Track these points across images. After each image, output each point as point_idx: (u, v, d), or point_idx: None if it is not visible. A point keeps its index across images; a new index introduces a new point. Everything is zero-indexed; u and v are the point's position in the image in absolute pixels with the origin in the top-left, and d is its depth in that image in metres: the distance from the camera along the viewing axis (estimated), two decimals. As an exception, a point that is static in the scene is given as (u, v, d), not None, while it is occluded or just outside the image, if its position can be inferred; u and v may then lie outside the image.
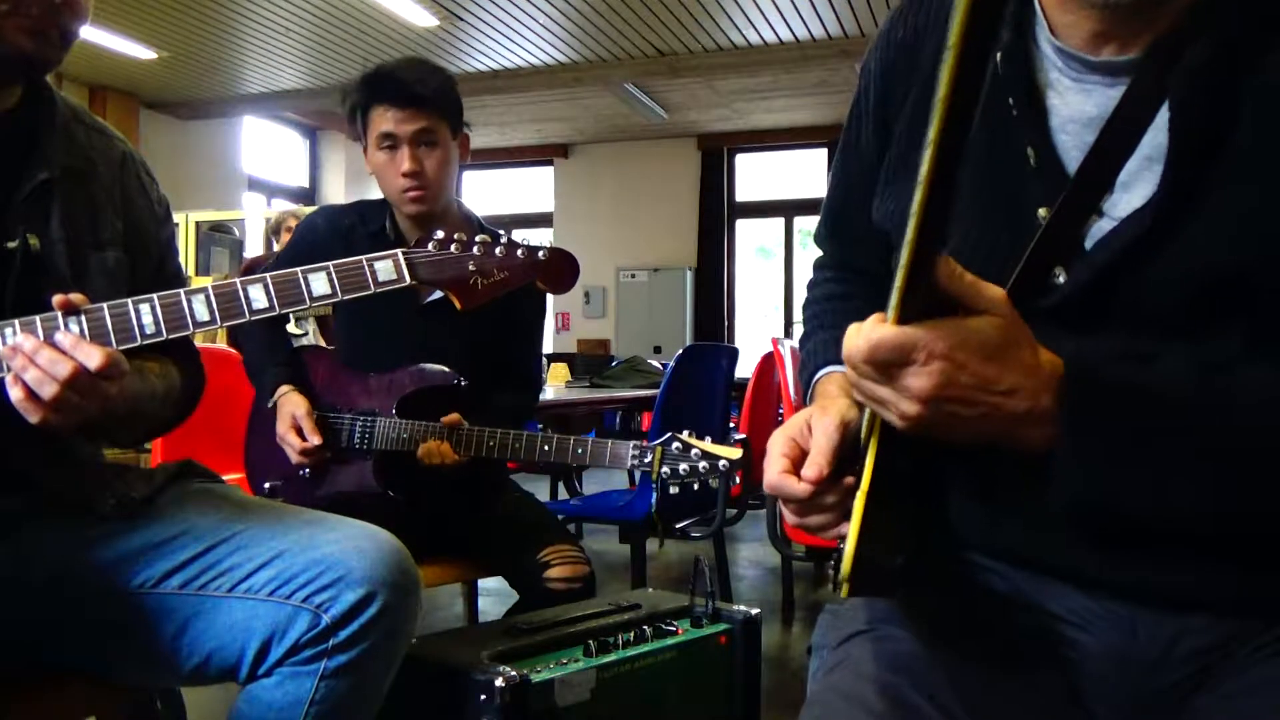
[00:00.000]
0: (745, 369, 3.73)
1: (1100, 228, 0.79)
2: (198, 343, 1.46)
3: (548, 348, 2.25)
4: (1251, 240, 0.74)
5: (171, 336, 1.15)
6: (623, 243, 10.57)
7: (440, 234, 1.24)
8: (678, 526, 3.00)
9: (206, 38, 7.46)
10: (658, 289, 10.43)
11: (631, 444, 1.82)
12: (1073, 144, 0.82)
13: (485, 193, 11.42)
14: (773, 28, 7.20)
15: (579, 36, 7.41)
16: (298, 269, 1.18)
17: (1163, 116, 0.76)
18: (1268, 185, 0.74)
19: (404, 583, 1.20)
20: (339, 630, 1.15)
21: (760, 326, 10.07)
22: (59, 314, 1.11)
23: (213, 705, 2.34)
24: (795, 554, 3.51)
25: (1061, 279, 0.79)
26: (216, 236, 7.06)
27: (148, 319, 1.14)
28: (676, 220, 10.49)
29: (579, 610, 1.68)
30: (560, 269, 1.32)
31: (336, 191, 10.69)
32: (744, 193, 10.64)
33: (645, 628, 1.60)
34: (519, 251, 1.27)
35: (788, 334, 9.80)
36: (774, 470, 0.85)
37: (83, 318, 1.12)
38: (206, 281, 1.20)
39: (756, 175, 10.63)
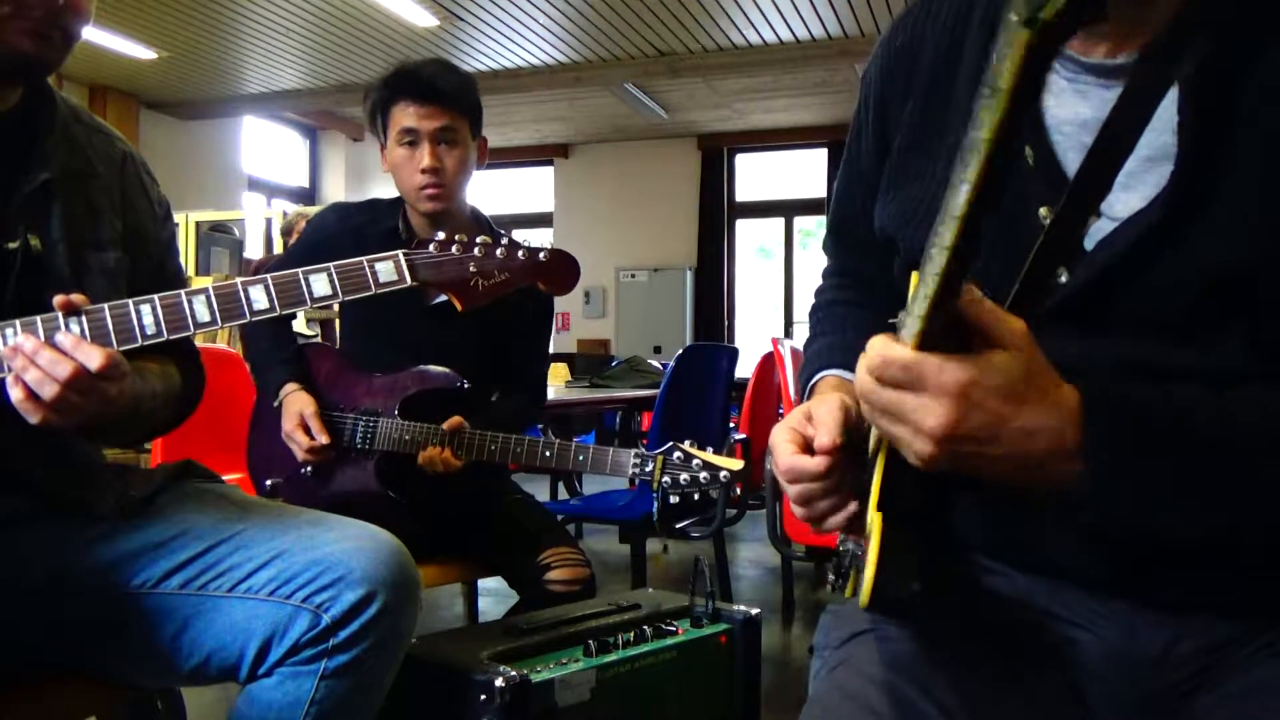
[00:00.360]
0: (745, 369, 3.74)
1: (1100, 228, 0.79)
2: (198, 343, 1.46)
3: (549, 347, 2.24)
4: (1256, 240, 0.74)
5: (172, 337, 1.15)
6: (623, 243, 10.57)
7: (441, 235, 1.24)
8: (678, 526, 3.00)
9: (206, 38, 7.46)
10: (658, 289, 10.43)
11: (633, 452, 1.82)
12: (1069, 144, 0.82)
13: (485, 193, 11.42)
14: (773, 28, 7.20)
15: (579, 36, 7.41)
16: (298, 269, 1.18)
17: (1160, 118, 0.76)
18: (1273, 185, 0.74)
19: (404, 583, 1.20)
20: (339, 630, 1.15)
21: (760, 326, 10.07)
22: (59, 314, 1.11)
23: (213, 705, 2.34)
24: (795, 554, 3.51)
25: (1064, 279, 0.80)
26: (216, 236, 7.05)
27: (148, 319, 1.14)
28: (676, 220, 10.49)
29: (579, 610, 1.68)
30: (561, 270, 1.32)
31: (336, 191, 10.69)
32: (744, 193, 10.64)
33: (645, 628, 1.60)
34: (519, 253, 1.27)
35: (788, 334, 9.80)
36: (785, 454, 0.84)
37: (83, 318, 1.12)
38: (206, 282, 1.20)
39: (756, 175, 10.63)
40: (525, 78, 8.23)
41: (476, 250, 1.24)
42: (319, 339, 4.17)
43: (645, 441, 3.92)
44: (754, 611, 1.72)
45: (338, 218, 2.08)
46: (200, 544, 1.20)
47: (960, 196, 0.55)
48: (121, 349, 1.12)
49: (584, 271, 1.38)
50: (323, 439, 1.88)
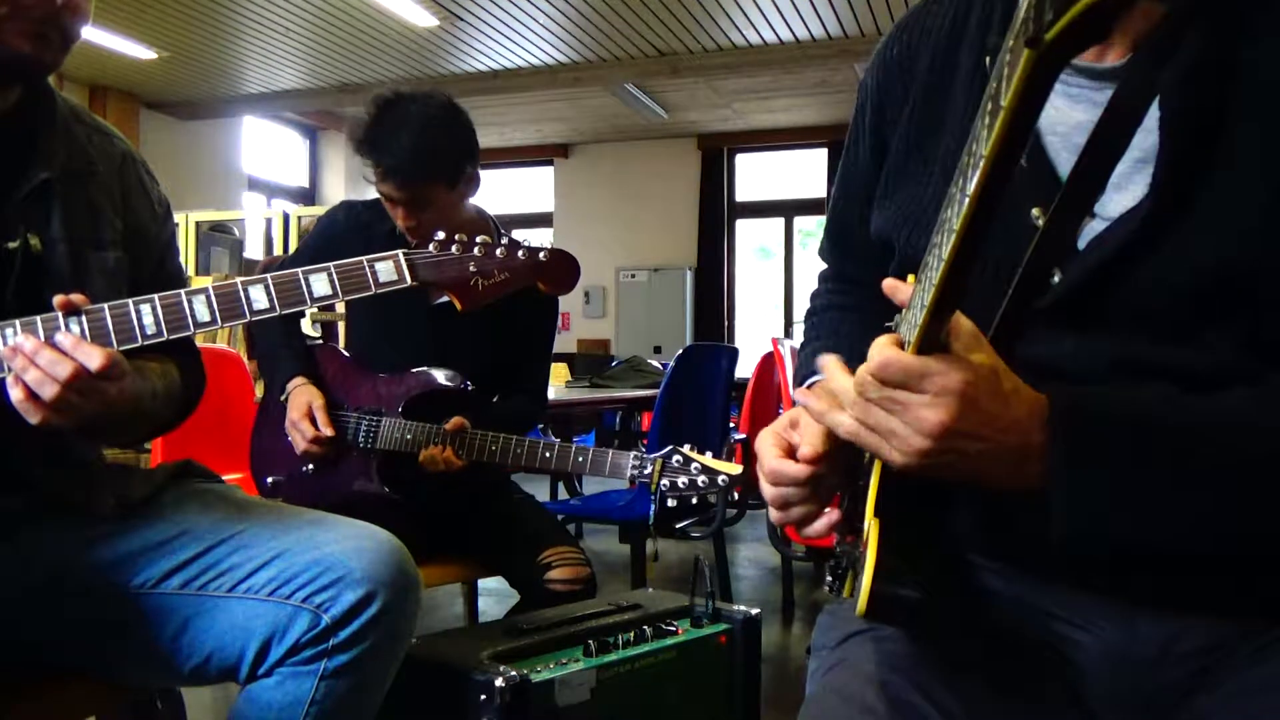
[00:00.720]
0: (745, 369, 3.73)
1: (1093, 228, 0.80)
2: (198, 342, 1.46)
3: (552, 350, 2.25)
4: (1246, 239, 0.74)
5: (172, 337, 1.15)
6: (623, 243, 10.57)
7: (441, 234, 1.24)
8: (678, 526, 3.01)
9: (206, 38, 7.46)
10: (658, 289, 10.43)
11: (632, 454, 1.83)
12: (1061, 145, 0.83)
13: (485, 193, 11.39)
14: (773, 28, 7.19)
15: (579, 36, 7.41)
16: (298, 269, 1.18)
17: (1152, 118, 0.76)
18: (1260, 184, 0.74)
19: (404, 583, 1.20)
20: (339, 630, 1.15)
21: (760, 326, 10.07)
22: (59, 314, 1.11)
23: (213, 705, 2.34)
24: (795, 554, 3.51)
25: (1056, 278, 0.80)
26: (216, 236, 7.05)
27: (148, 319, 1.14)
28: (676, 220, 10.48)
29: (579, 610, 1.68)
30: (561, 270, 1.32)
31: (336, 191, 10.69)
32: (744, 193, 10.64)
33: (645, 628, 1.60)
34: (520, 252, 1.27)
35: (788, 334, 9.80)
36: (770, 457, 0.86)
37: (83, 318, 1.12)
38: (206, 281, 1.20)
39: (756, 175, 10.62)
40: (525, 78, 8.23)
41: (476, 250, 1.24)
42: (320, 341, 4.17)
43: (645, 442, 3.91)
44: (754, 611, 1.72)
45: (347, 216, 2.09)
46: (200, 544, 1.20)
47: (960, 210, 0.55)
48: (121, 349, 1.12)
49: (584, 271, 1.38)
50: (327, 431, 1.88)
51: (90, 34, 1.24)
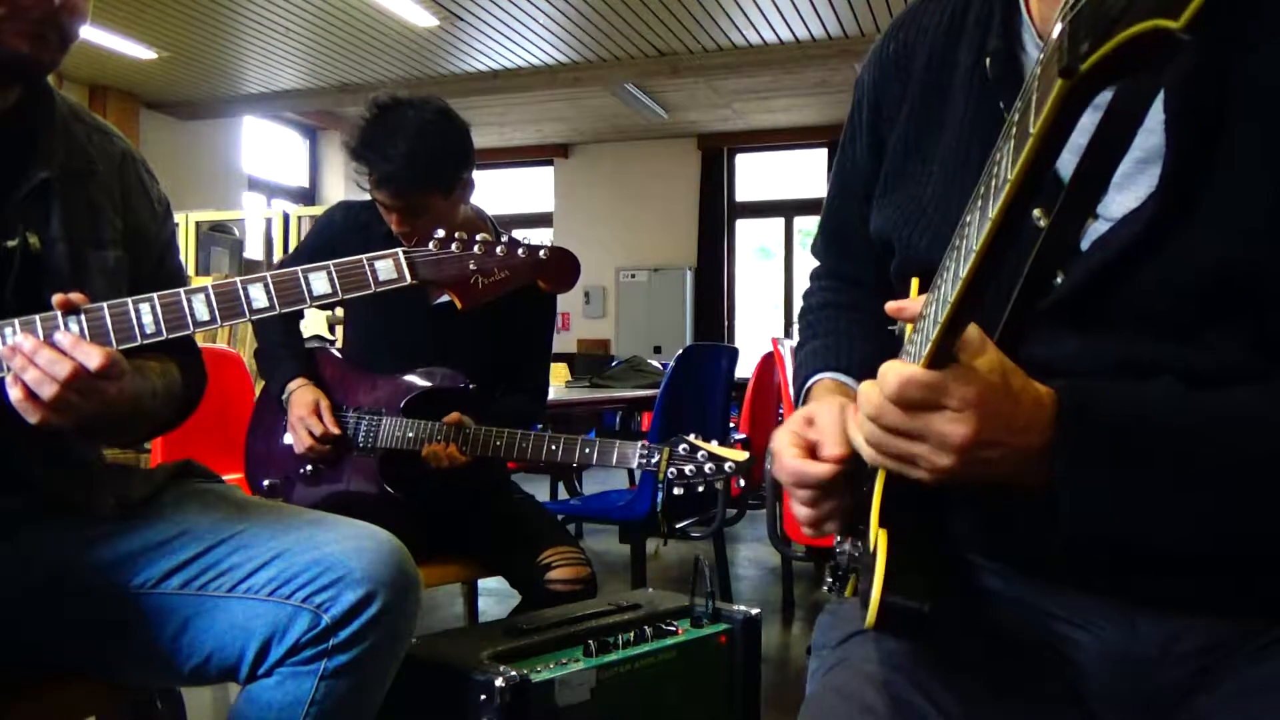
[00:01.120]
0: (745, 369, 3.73)
1: (1096, 229, 0.79)
2: (198, 342, 1.46)
3: (551, 349, 2.26)
4: (1250, 239, 0.74)
5: (171, 336, 1.15)
6: (623, 243, 10.57)
7: (440, 233, 1.24)
8: (678, 526, 3.00)
9: (206, 38, 7.46)
10: (658, 289, 10.43)
11: (639, 445, 1.82)
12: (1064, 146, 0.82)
13: (485, 193, 11.40)
14: (773, 28, 7.19)
15: (579, 36, 7.41)
16: (297, 268, 1.18)
17: (1154, 118, 0.76)
18: (1264, 184, 0.74)
19: (404, 583, 1.20)
20: (339, 630, 1.15)
21: (760, 326, 10.07)
22: (59, 313, 1.11)
23: (213, 705, 2.34)
24: (795, 554, 3.51)
25: (1059, 280, 0.80)
26: (216, 236, 7.05)
27: (148, 318, 1.14)
28: (676, 220, 10.48)
29: (579, 610, 1.68)
30: (561, 268, 1.32)
31: (336, 191, 10.68)
32: (744, 193, 10.63)
33: (645, 628, 1.60)
34: (520, 250, 1.27)
35: (788, 334, 9.79)
36: (789, 457, 0.85)
37: (82, 317, 1.12)
38: (206, 281, 1.20)
39: (756, 175, 10.62)
40: (525, 78, 8.23)
41: (476, 248, 1.24)
42: (339, 343, 4.15)
43: (646, 441, 3.90)
44: (754, 611, 1.72)
45: (344, 216, 2.08)
46: (200, 544, 1.20)
47: (981, 232, 0.55)
48: (121, 348, 1.12)
49: (584, 271, 1.38)
50: (334, 429, 1.88)
51: (90, 34, 1.24)
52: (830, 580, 0.94)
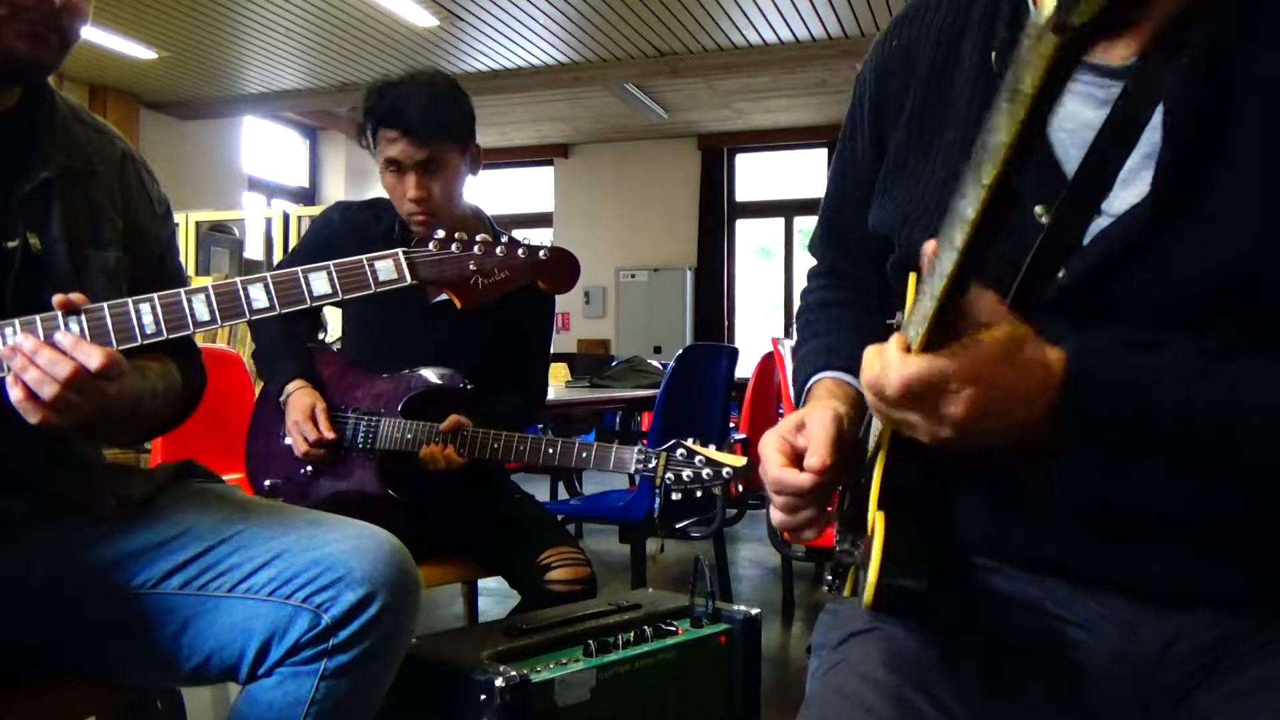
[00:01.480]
0: (745, 369, 3.73)
1: (1099, 225, 0.79)
2: (198, 342, 1.46)
3: (550, 349, 2.26)
4: (1252, 234, 0.74)
5: (172, 336, 1.15)
6: (623, 243, 10.57)
7: (441, 233, 1.24)
8: (678, 526, 3.00)
9: (206, 38, 7.46)
10: (658, 289, 10.43)
11: (636, 449, 1.82)
12: (1070, 142, 0.82)
13: (485, 193, 11.42)
14: (773, 28, 7.19)
15: (579, 36, 7.41)
16: (298, 269, 1.18)
17: (1159, 115, 0.76)
18: (1265, 180, 0.74)
19: (404, 583, 1.20)
20: (339, 630, 1.15)
21: (760, 326, 10.07)
22: (59, 314, 1.11)
23: (213, 705, 2.34)
24: (795, 554, 3.51)
25: (1061, 276, 0.80)
26: (216, 236, 7.05)
27: (148, 319, 1.14)
28: (676, 220, 10.48)
29: (579, 610, 1.68)
30: (561, 268, 1.32)
31: (337, 192, 10.68)
32: (744, 193, 10.63)
33: (645, 628, 1.60)
34: (520, 251, 1.27)
35: (788, 334, 9.79)
36: (773, 464, 0.86)
37: (83, 317, 1.12)
38: (206, 281, 1.20)
39: (756, 175, 10.62)
40: (525, 78, 8.23)
41: (476, 248, 1.24)
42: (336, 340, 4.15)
43: (645, 442, 3.90)
44: (754, 611, 1.72)
45: (342, 217, 2.08)
46: (200, 544, 1.20)
47: (974, 199, 0.55)
48: (121, 348, 1.12)
49: (584, 271, 1.38)
50: (329, 434, 1.88)
51: (90, 34, 1.24)
52: (830, 578, 0.94)
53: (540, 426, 3.86)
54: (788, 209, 10.42)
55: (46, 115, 1.26)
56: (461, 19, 7.00)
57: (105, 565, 1.19)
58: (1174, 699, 0.82)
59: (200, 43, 7.57)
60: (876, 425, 0.78)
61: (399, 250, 1.21)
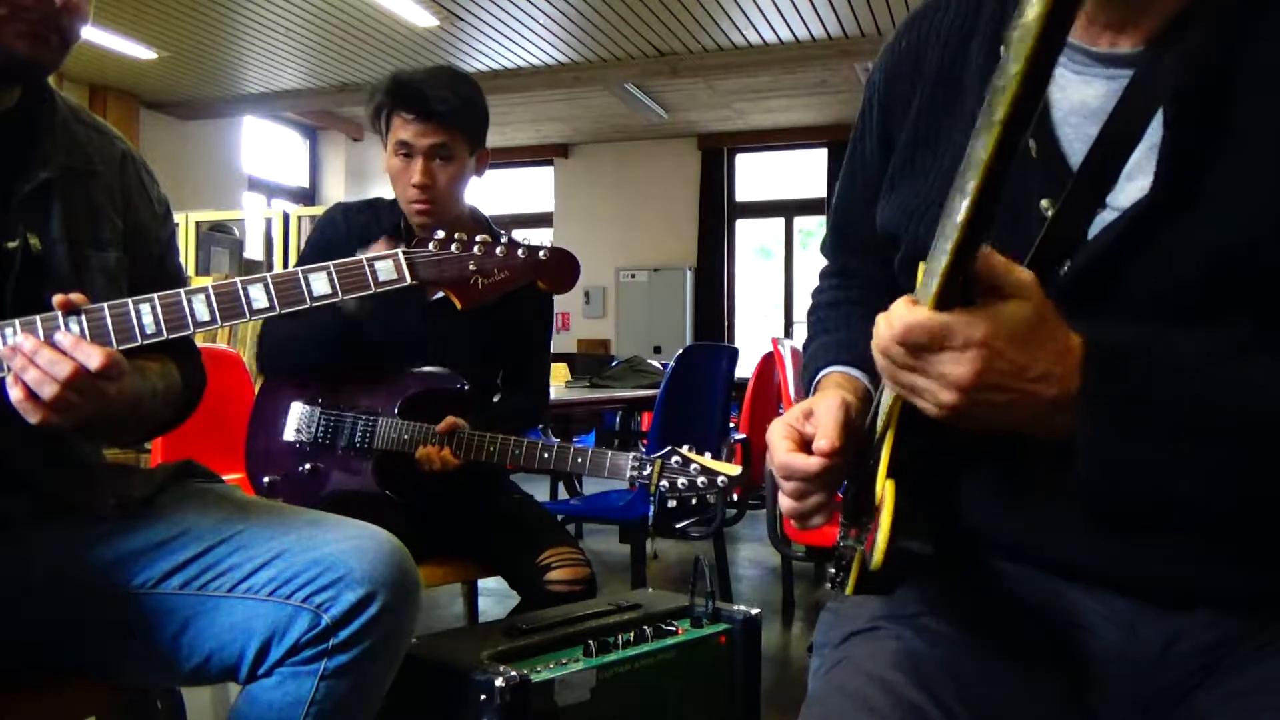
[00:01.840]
0: (745, 369, 3.74)
1: (1104, 217, 0.79)
2: (198, 342, 1.46)
3: (550, 349, 2.27)
4: (1256, 225, 0.74)
5: (172, 336, 1.15)
6: (623, 243, 10.57)
7: (441, 233, 1.24)
8: (677, 526, 3.01)
9: (206, 38, 7.46)
10: (658, 289, 10.43)
11: (631, 455, 1.83)
12: (1075, 135, 0.82)
13: (485, 193, 11.42)
14: (773, 28, 7.19)
15: (579, 36, 7.41)
16: (298, 269, 1.18)
17: (1164, 104, 0.76)
18: (1268, 167, 0.74)
19: (404, 583, 1.20)
20: (339, 630, 1.15)
21: (760, 326, 10.07)
22: (59, 314, 1.11)
23: (213, 705, 2.34)
24: (795, 554, 3.51)
25: (1065, 267, 0.80)
26: (216, 236, 7.05)
27: (148, 319, 1.14)
28: (676, 220, 10.48)
29: (579, 610, 1.68)
30: (561, 268, 1.32)
31: (337, 192, 10.68)
32: (744, 193, 10.63)
33: (645, 628, 1.60)
34: (520, 251, 1.27)
35: (788, 334, 9.80)
36: (781, 450, 0.86)
37: (83, 317, 1.12)
38: (207, 281, 1.20)
39: (756, 175, 10.62)
40: (525, 78, 8.23)
41: (476, 249, 1.24)
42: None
43: (645, 442, 3.91)
44: (754, 611, 1.72)
45: (345, 219, 2.08)
46: (200, 544, 1.20)
47: (985, 142, 0.55)
48: (121, 348, 1.12)
49: (584, 271, 1.38)
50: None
51: (90, 34, 1.24)
52: (833, 572, 0.94)
53: (540, 427, 3.85)
54: (788, 209, 10.42)
55: (47, 115, 1.26)
56: (461, 19, 7.00)
57: (105, 565, 1.19)
58: (1174, 699, 0.82)
59: (200, 43, 7.57)
60: (886, 399, 0.78)
61: (399, 250, 1.21)
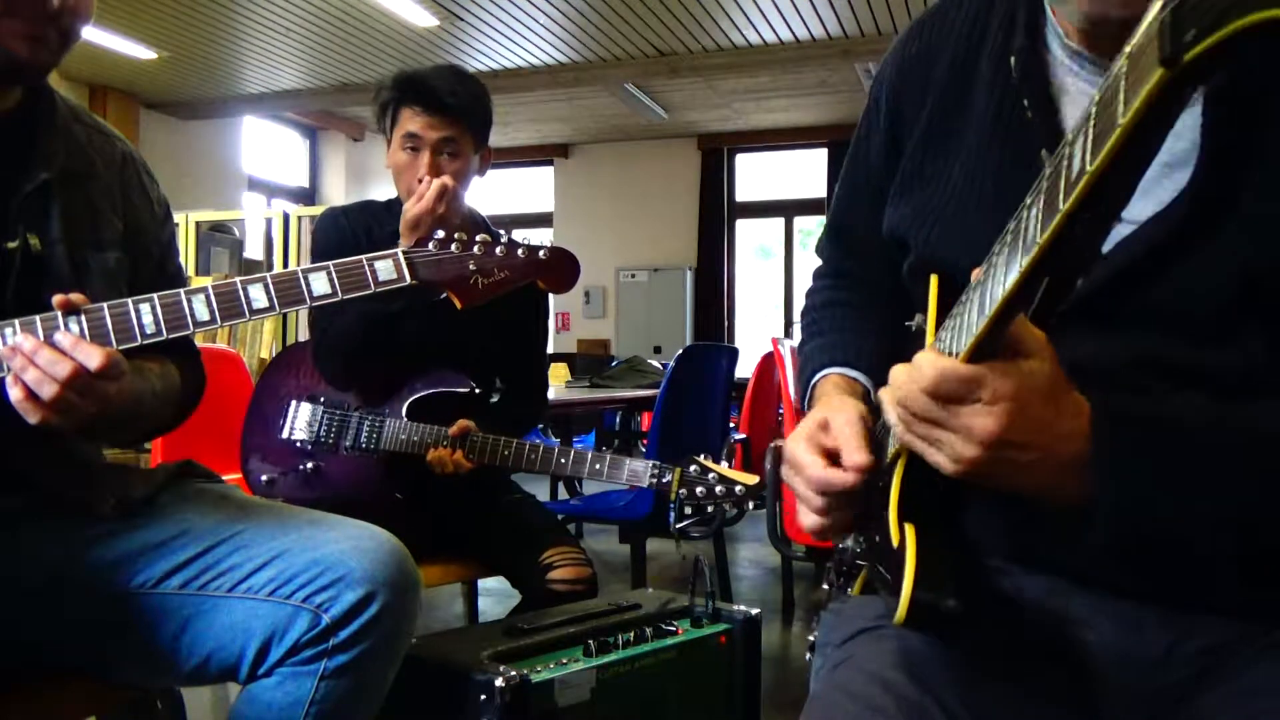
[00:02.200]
0: (745, 369, 3.74)
1: (1119, 232, 0.79)
2: (198, 342, 1.46)
3: (547, 348, 2.27)
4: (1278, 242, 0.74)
5: (171, 336, 1.15)
6: (623, 243, 10.57)
7: (440, 234, 1.24)
8: (677, 526, 3.00)
9: (206, 38, 7.46)
10: (658, 289, 10.43)
11: (650, 463, 1.85)
12: None
13: (485, 193, 11.41)
14: (773, 28, 7.19)
15: (579, 36, 7.41)
16: (297, 269, 1.18)
17: (1181, 122, 0.76)
18: None
19: (404, 583, 1.20)
20: (339, 630, 1.15)
21: (760, 326, 10.07)
22: (59, 314, 1.11)
23: (213, 705, 2.34)
24: (795, 554, 3.51)
25: (1080, 283, 0.79)
26: (216, 236, 7.06)
27: (148, 319, 1.14)
28: (676, 220, 10.49)
29: (579, 610, 1.68)
30: (561, 268, 1.32)
31: (337, 192, 10.69)
32: (744, 193, 10.64)
33: (645, 628, 1.60)
34: (519, 251, 1.27)
35: (788, 334, 9.79)
36: (816, 467, 0.85)
37: (82, 318, 1.12)
38: (206, 281, 1.20)
39: (756, 175, 10.63)
40: (525, 78, 8.23)
41: (476, 248, 1.24)
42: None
43: (645, 442, 3.91)
44: (754, 611, 1.72)
45: (348, 219, 2.08)
46: (200, 544, 1.20)
47: (1047, 225, 0.53)
48: (121, 348, 1.12)
49: (584, 271, 1.38)
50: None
51: (90, 34, 1.24)
52: (833, 578, 0.94)
53: (540, 427, 3.85)
54: (787, 209, 10.42)
55: (46, 116, 1.26)
56: (461, 19, 7.00)
57: (105, 565, 1.19)
58: (1177, 699, 0.82)
59: (200, 43, 7.57)
60: (893, 446, 0.78)
61: (398, 250, 1.21)
